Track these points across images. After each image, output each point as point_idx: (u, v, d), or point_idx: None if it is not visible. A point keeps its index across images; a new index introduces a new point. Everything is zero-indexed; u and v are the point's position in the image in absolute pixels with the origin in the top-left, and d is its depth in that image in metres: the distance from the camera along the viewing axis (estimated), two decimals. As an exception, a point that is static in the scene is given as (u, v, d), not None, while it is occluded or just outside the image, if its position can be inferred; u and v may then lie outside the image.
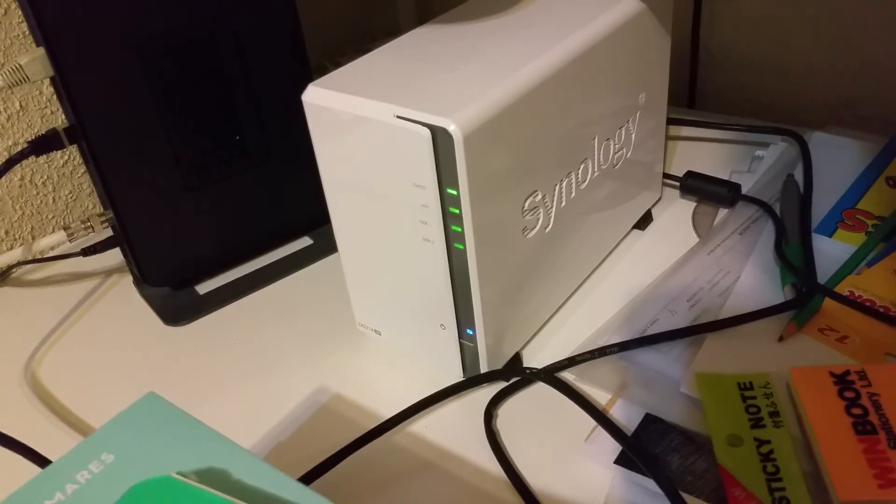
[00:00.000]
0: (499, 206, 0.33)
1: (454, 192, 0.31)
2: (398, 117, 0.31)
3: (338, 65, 0.67)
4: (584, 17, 0.37)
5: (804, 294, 0.38)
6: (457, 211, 0.32)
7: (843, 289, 0.39)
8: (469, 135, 0.30)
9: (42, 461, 0.34)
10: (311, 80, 0.46)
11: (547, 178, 0.36)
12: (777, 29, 0.57)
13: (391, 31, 0.75)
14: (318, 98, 0.34)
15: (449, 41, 0.36)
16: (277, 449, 0.35)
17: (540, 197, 0.36)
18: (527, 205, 0.35)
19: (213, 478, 0.20)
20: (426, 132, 0.30)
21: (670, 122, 0.56)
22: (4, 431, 0.35)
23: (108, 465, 0.21)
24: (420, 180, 0.32)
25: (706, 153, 0.54)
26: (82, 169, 0.54)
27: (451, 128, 0.30)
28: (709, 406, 0.34)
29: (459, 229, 0.32)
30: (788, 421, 0.33)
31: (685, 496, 0.30)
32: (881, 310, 0.37)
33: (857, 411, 0.32)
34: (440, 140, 0.30)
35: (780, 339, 0.37)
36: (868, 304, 0.38)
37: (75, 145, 0.41)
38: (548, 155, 0.35)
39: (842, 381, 0.33)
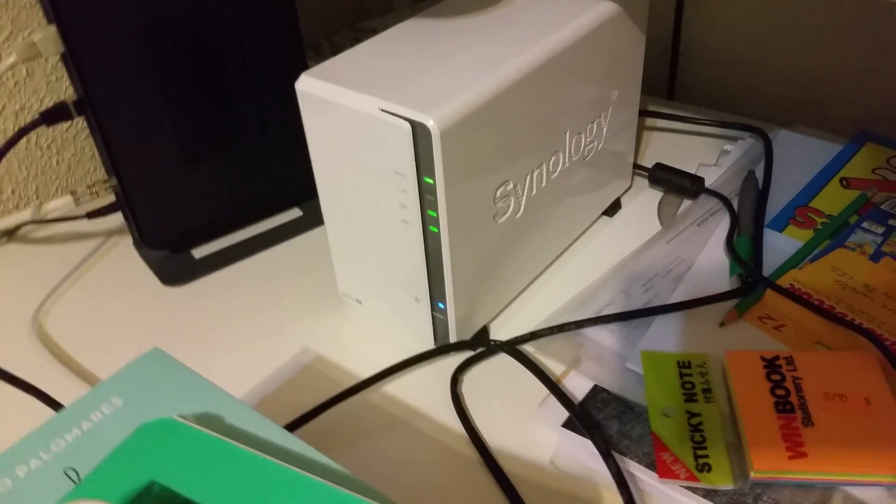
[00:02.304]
0: (472, 194, 0.37)
1: (431, 181, 0.35)
2: (382, 110, 0.34)
3: (331, 42, 0.70)
4: (562, 18, 0.40)
5: (748, 284, 0.42)
6: (433, 198, 0.35)
7: (785, 282, 0.43)
8: (446, 130, 0.33)
9: (51, 403, 0.38)
10: (305, 60, 0.49)
11: (519, 168, 0.39)
12: (754, 29, 0.60)
13: (385, 7, 0.77)
14: (310, 87, 0.36)
15: (434, 36, 0.39)
16: (263, 402, 0.39)
17: (511, 186, 0.39)
18: (498, 193, 0.38)
19: (209, 422, 0.23)
20: (407, 126, 0.33)
21: (647, 114, 0.58)
22: (19, 376, 0.38)
23: (118, 407, 0.24)
24: (400, 168, 0.35)
25: (678, 145, 0.57)
26: (85, 133, 0.56)
27: (430, 123, 0.33)
28: (649, 380, 0.38)
29: (435, 214, 0.36)
30: (719, 397, 0.37)
31: (621, 457, 0.35)
32: (816, 302, 0.41)
33: (780, 392, 0.36)
34: (419, 133, 0.33)
35: (722, 324, 0.41)
36: (805, 296, 0.42)
37: (83, 116, 0.44)
38: (520, 147, 0.39)
39: (771, 365, 0.37)
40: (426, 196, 0.35)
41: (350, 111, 0.35)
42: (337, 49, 0.65)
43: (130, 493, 0.20)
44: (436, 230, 0.36)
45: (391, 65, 0.37)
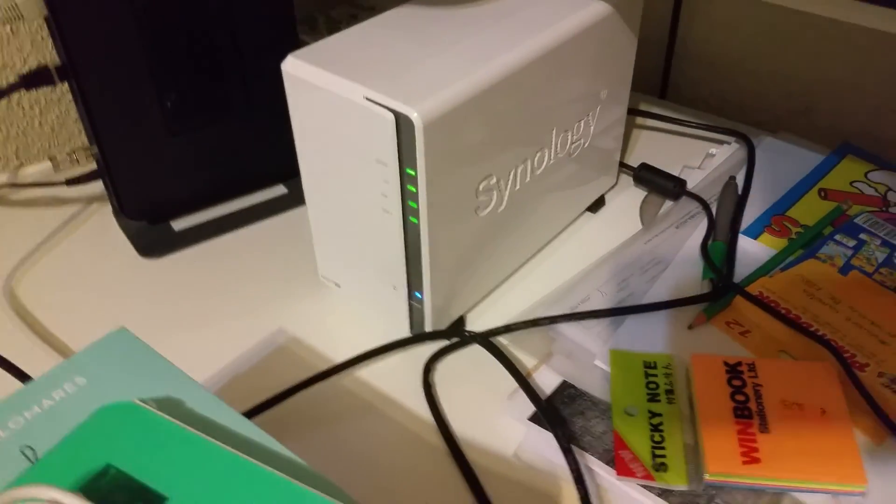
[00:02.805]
0: (453, 186, 0.37)
1: (412, 172, 0.35)
2: (367, 99, 0.34)
3: (328, 16, 0.69)
4: (554, 16, 0.40)
5: (718, 289, 0.43)
6: (414, 189, 0.35)
7: (755, 289, 0.44)
8: (429, 123, 0.33)
9: (18, 373, 0.38)
10: (297, 34, 0.48)
11: (503, 163, 0.39)
12: (749, 34, 0.60)
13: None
14: (296, 69, 0.36)
15: (427, 25, 0.39)
16: (234, 381, 0.40)
17: (494, 180, 0.39)
18: (481, 187, 0.39)
19: (169, 406, 0.24)
20: (390, 116, 0.33)
21: (637, 112, 0.59)
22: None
23: (80, 387, 0.25)
24: (382, 158, 0.35)
25: (665, 145, 0.57)
26: (70, 95, 0.56)
27: (414, 115, 0.33)
28: (616, 379, 0.38)
29: (415, 205, 0.36)
30: (681, 399, 0.38)
31: (582, 453, 0.35)
32: (783, 311, 0.42)
33: (740, 398, 0.37)
34: (403, 125, 0.33)
35: (690, 326, 0.42)
36: (773, 304, 0.43)
37: (65, 82, 0.43)
38: (505, 143, 0.39)
39: (733, 370, 0.38)
40: (407, 187, 0.36)
41: (335, 97, 0.35)
42: (333, 25, 0.64)
43: (86, 476, 0.20)
44: (416, 221, 0.36)
45: (380, 52, 0.36)
